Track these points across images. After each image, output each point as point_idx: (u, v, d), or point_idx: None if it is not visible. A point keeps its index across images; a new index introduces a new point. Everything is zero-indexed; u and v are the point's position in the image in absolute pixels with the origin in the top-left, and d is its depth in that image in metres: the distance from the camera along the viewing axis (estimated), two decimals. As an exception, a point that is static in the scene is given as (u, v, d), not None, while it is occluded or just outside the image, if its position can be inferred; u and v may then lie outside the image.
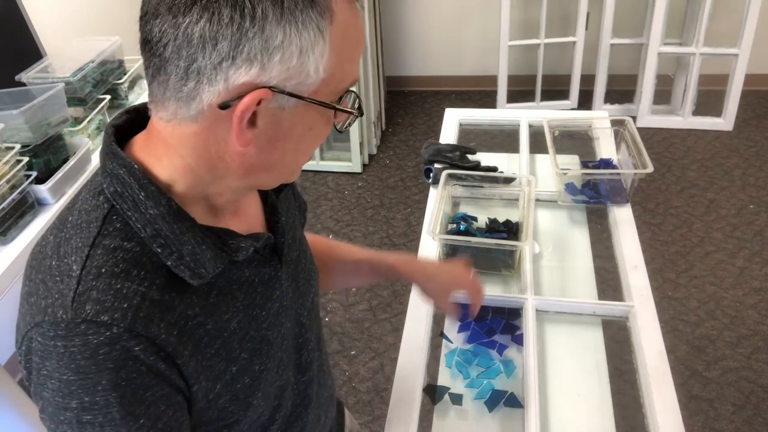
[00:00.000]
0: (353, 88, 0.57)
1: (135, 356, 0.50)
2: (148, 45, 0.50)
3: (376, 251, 0.97)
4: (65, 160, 1.63)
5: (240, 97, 0.49)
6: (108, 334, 0.48)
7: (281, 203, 0.70)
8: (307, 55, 0.50)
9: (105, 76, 1.92)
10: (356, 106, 0.58)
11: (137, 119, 0.59)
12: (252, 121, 0.51)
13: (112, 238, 0.52)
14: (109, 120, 1.95)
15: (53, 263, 0.52)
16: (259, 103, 0.50)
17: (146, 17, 0.49)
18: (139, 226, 0.53)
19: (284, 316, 0.67)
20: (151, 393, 0.51)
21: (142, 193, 0.53)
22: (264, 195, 0.69)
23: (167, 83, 0.50)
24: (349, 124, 0.61)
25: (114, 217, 0.53)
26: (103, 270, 0.50)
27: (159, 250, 0.53)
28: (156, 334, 0.51)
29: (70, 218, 0.55)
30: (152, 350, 0.51)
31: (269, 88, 0.50)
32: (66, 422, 0.51)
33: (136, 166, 0.54)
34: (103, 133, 0.58)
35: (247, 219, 0.65)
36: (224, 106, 0.50)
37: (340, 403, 1.01)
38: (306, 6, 0.48)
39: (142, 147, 0.56)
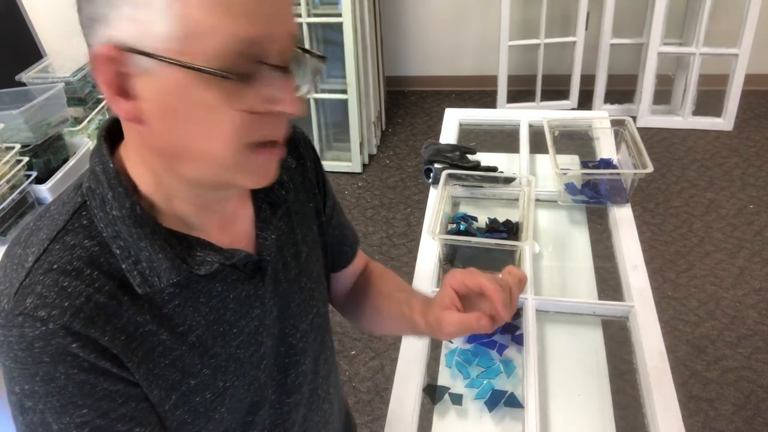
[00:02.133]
0: (274, 61, 0.46)
1: (73, 353, 0.49)
2: None
3: (423, 297, 0.77)
4: (65, 160, 1.63)
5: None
6: (43, 329, 0.48)
7: (282, 220, 0.66)
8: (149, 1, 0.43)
9: (105, 76, 1.92)
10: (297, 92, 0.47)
11: None
12: (127, 90, 0.47)
13: (74, 234, 0.52)
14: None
15: (18, 251, 0.52)
16: (123, 67, 0.46)
17: None
18: (102, 225, 0.52)
19: (266, 335, 0.64)
20: (102, 387, 0.51)
21: (110, 193, 0.52)
22: (258, 210, 0.64)
23: None
24: (288, 114, 0.49)
25: (83, 213, 0.53)
26: (55, 266, 0.50)
27: (117, 252, 0.52)
28: (98, 335, 0.50)
29: (51, 207, 0.55)
30: (93, 348, 0.50)
31: (116, 46, 0.45)
32: (12, 404, 0.52)
33: (111, 165, 0.53)
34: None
35: (232, 233, 0.61)
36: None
37: (352, 426, 0.97)
38: None
39: (126, 146, 0.55)
